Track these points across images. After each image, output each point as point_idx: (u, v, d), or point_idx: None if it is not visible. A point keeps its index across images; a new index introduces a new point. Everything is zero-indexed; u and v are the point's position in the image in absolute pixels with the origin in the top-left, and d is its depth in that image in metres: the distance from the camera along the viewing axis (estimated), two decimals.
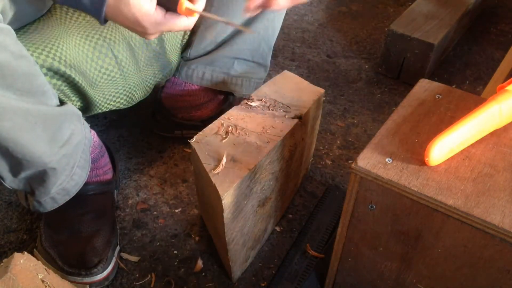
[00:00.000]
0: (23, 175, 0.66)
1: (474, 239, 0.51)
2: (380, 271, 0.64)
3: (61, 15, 0.69)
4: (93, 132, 0.82)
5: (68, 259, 0.76)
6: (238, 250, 0.75)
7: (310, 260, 0.83)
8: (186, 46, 0.95)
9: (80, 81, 0.70)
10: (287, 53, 1.42)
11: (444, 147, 0.54)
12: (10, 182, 0.68)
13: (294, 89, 0.83)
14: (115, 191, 0.91)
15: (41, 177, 0.68)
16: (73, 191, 0.75)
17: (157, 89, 1.02)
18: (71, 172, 0.72)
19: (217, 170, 0.64)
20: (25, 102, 0.58)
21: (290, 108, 0.78)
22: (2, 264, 0.52)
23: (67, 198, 0.75)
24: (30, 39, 0.64)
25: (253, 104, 0.78)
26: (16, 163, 0.64)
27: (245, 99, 0.79)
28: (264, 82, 0.95)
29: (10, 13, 0.59)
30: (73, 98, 0.72)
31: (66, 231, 0.80)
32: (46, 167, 0.66)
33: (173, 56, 0.92)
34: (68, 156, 0.69)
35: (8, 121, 0.56)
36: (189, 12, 0.59)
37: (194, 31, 0.93)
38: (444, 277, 0.57)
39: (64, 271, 0.76)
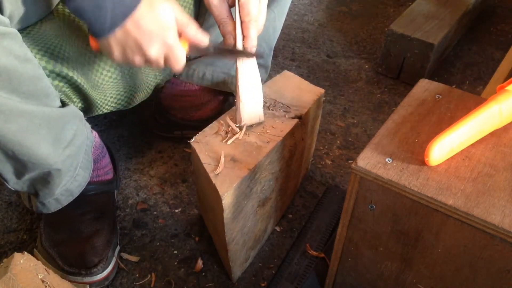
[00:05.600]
0: (27, 177, 0.66)
1: (474, 239, 0.51)
2: (380, 271, 0.64)
3: (64, 16, 0.69)
4: (94, 132, 0.82)
5: (68, 259, 0.76)
6: (238, 250, 0.75)
7: (310, 260, 0.83)
8: None
9: (82, 83, 0.70)
10: (287, 53, 1.42)
11: (444, 147, 0.54)
12: (14, 184, 0.68)
13: (294, 89, 0.83)
14: (115, 191, 0.91)
15: (45, 179, 0.68)
16: (77, 192, 0.75)
17: (157, 90, 1.02)
18: (74, 173, 0.72)
19: (217, 170, 0.64)
20: (30, 105, 0.58)
21: (290, 108, 0.78)
22: (2, 264, 0.52)
23: (71, 199, 0.75)
24: (34, 40, 0.64)
25: None
26: (21, 166, 0.64)
27: None
28: (264, 82, 0.95)
29: (17, 16, 0.59)
30: (75, 100, 0.72)
31: (66, 231, 0.80)
32: (51, 168, 0.66)
33: None
34: (71, 157, 0.69)
35: (13, 123, 0.56)
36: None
37: None
38: (444, 277, 0.57)
39: (64, 271, 0.75)
